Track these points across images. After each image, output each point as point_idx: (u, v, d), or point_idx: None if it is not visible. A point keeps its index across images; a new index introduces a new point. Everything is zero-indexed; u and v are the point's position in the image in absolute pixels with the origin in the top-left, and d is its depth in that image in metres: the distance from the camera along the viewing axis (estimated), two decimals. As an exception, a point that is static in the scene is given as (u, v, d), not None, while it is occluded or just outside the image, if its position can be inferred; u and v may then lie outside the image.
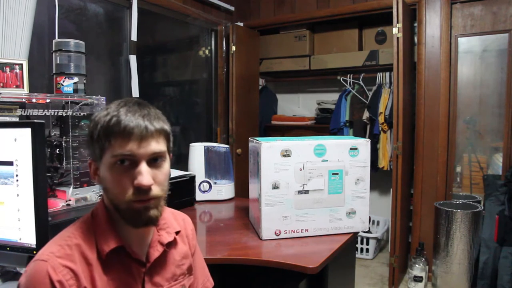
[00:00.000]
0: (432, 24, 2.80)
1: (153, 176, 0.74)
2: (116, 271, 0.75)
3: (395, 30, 2.62)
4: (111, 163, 0.73)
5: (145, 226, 0.77)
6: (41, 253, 0.72)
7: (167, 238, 0.85)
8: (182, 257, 0.89)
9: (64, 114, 1.52)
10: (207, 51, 3.51)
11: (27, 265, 0.71)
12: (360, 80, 3.39)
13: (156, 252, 0.82)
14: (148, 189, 0.73)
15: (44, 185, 1.03)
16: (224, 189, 2.05)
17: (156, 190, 0.75)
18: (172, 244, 0.87)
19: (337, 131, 3.43)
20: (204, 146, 2.04)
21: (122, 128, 0.72)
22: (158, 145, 0.75)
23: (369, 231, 3.21)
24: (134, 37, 2.55)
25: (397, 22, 2.60)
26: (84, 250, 0.73)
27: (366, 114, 3.23)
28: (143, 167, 0.73)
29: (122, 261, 0.77)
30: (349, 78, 3.45)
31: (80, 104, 1.57)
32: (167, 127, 0.79)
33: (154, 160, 0.75)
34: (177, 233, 0.89)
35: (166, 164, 0.79)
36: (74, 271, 0.70)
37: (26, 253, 1.02)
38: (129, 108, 0.75)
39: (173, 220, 0.91)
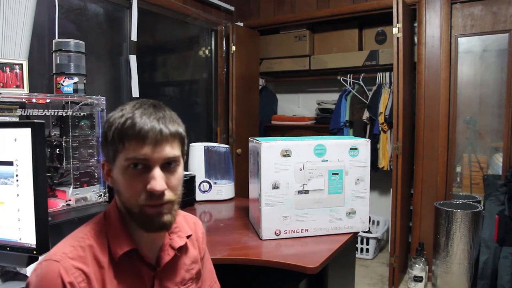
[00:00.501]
0: (432, 24, 2.80)
1: (166, 180, 0.73)
2: (126, 274, 0.75)
3: (395, 30, 2.62)
4: (124, 166, 0.72)
5: (158, 231, 0.77)
6: (53, 252, 0.71)
7: (178, 242, 0.84)
8: (192, 261, 0.88)
9: (64, 114, 1.52)
10: (207, 51, 3.51)
11: (38, 264, 0.71)
12: (360, 80, 3.39)
13: (167, 256, 0.81)
14: (161, 194, 0.72)
15: (44, 185, 1.03)
16: (224, 189, 2.05)
17: (169, 195, 0.74)
18: (183, 248, 0.86)
19: (337, 131, 3.43)
20: (204, 146, 2.04)
21: (137, 131, 0.71)
22: (172, 150, 0.74)
23: (369, 231, 3.21)
24: (134, 37, 2.55)
25: (397, 22, 2.60)
26: (97, 252, 0.73)
27: (366, 114, 3.23)
28: (157, 172, 0.72)
29: (133, 264, 0.77)
30: (349, 78, 3.45)
31: (80, 104, 1.57)
32: (182, 130, 0.78)
33: (168, 165, 0.74)
34: (188, 237, 0.88)
35: (180, 168, 0.78)
36: (86, 273, 0.70)
37: (26, 253, 1.02)
38: (144, 110, 0.73)
39: (184, 223, 0.90)
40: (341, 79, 3.49)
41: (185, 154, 0.81)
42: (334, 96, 3.69)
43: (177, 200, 0.77)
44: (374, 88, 3.29)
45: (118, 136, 0.72)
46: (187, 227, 0.90)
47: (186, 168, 2.03)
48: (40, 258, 0.98)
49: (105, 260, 0.73)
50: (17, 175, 1.01)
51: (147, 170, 0.72)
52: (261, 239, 1.43)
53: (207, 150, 2.04)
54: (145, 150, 0.71)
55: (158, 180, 0.71)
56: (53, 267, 0.68)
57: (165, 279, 0.81)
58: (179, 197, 0.78)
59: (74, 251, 0.71)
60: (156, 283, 0.79)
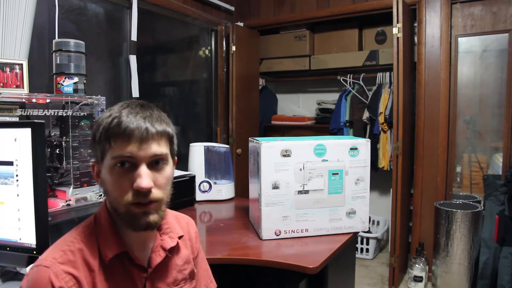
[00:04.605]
0: (432, 24, 2.80)
1: (154, 179, 0.73)
2: (117, 277, 0.75)
3: (395, 30, 2.62)
4: (111, 165, 0.72)
5: (143, 230, 0.76)
6: (43, 258, 0.71)
7: (169, 243, 0.84)
8: (184, 262, 0.88)
9: (64, 114, 1.52)
10: (207, 51, 3.51)
11: (29, 270, 0.71)
12: (360, 80, 3.39)
13: (158, 257, 0.81)
14: (147, 191, 0.72)
15: (44, 185, 1.03)
16: (224, 189, 2.05)
17: (156, 193, 0.73)
18: (174, 249, 0.86)
19: (337, 131, 3.43)
20: (204, 146, 2.04)
21: (123, 129, 0.71)
22: (159, 148, 0.74)
23: (369, 231, 3.21)
24: (134, 37, 2.55)
25: (397, 22, 2.60)
26: (87, 255, 0.73)
27: (366, 114, 3.23)
28: (143, 169, 0.72)
29: (124, 267, 0.76)
30: (349, 78, 3.45)
31: (80, 104, 1.57)
32: (170, 129, 0.78)
33: (155, 163, 0.74)
34: (179, 237, 0.88)
35: (168, 167, 0.77)
36: (77, 277, 0.70)
37: (26, 253, 1.02)
38: (131, 109, 0.74)
39: (176, 224, 0.90)
40: (341, 79, 3.49)
41: (175, 154, 0.81)
42: (334, 96, 3.69)
43: (165, 199, 0.77)
44: (374, 88, 3.29)
45: (105, 135, 0.72)
46: (178, 228, 0.89)
47: (186, 168, 2.03)
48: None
49: (95, 263, 0.73)
50: (17, 175, 1.01)
51: (134, 168, 0.72)
52: (261, 239, 1.43)
53: (207, 150, 2.04)
54: (130, 148, 0.71)
55: (144, 177, 0.71)
56: (43, 273, 0.68)
57: (157, 281, 0.81)
58: (168, 197, 0.77)
59: (64, 256, 0.71)
60: (148, 285, 0.79)
